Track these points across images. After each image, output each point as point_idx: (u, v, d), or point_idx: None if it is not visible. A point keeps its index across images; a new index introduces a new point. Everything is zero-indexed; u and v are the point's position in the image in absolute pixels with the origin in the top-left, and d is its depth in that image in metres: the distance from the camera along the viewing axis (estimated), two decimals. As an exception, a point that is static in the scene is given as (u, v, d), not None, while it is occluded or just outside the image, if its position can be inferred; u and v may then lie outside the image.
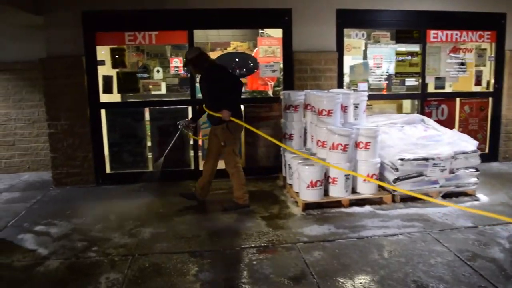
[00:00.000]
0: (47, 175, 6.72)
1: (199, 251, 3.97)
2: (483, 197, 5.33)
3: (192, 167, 6.40)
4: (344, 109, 5.27)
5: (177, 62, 6.79)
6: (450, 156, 5.06)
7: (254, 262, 3.73)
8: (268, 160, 6.46)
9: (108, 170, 6.32)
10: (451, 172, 5.14)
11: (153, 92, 6.74)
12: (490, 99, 7.11)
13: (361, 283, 3.38)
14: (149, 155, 6.42)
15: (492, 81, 7.06)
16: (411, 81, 6.95)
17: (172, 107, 6.31)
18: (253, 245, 4.07)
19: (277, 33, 6.54)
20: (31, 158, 7.15)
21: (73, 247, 4.16)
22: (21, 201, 5.62)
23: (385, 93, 6.93)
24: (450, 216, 4.74)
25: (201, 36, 6.81)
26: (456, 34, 6.82)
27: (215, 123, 4.92)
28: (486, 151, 7.16)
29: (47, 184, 6.30)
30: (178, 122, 5.10)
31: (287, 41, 6.25)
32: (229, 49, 7.23)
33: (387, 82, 6.90)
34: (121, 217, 4.90)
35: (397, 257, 3.78)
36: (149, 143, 6.41)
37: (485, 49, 7.10)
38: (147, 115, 6.33)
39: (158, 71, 6.75)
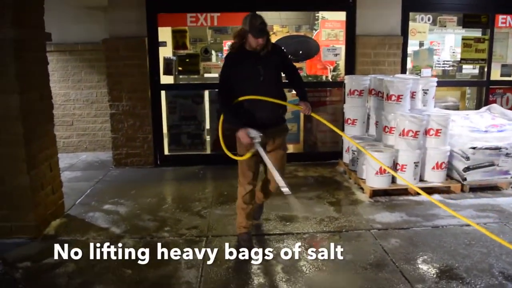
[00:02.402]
0: (104, 155, 6.87)
1: (272, 234, 3.97)
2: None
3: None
4: (412, 94, 5.13)
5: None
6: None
7: (332, 247, 3.67)
8: (326, 145, 6.39)
9: (166, 152, 6.39)
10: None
11: (212, 75, 6.75)
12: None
13: (445, 272, 3.31)
14: (207, 138, 6.44)
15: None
16: (470, 69, 6.74)
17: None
18: (326, 230, 4.05)
19: (336, 16, 6.41)
20: (89, 138, 7.30)
21: (145, 226, 4.23)
22: (84, 180, 5.75)
23: (450, 80, 6.73)
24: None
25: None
26: (526, 19, 6.53)
27: (281, 121, 3.72)
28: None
29: (106, 164, 6.42)
30: (252, 136, 3.40)
31: (350, 24, 6.12)
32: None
33: (452, 68, 6.69)
34: (187, 198, 4.95)
35: (478, 248, 3.68)
36: (208, 126, 6.43)
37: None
38: (206, 98, 6.33)
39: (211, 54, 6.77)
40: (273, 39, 6.61)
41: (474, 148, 4.82)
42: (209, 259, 3.51)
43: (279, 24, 7.25)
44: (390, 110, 4.99)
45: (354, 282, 3.22)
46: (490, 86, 6.58)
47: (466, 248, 3.67)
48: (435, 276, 3.28)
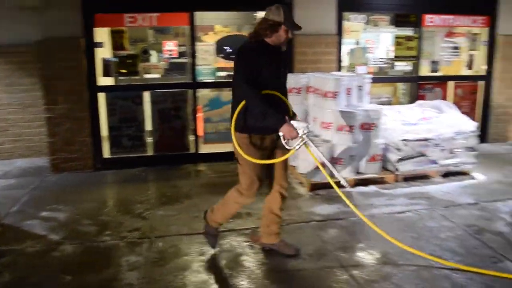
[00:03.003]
0: (41, 161, 6.59)
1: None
2: (480, 176, 5.51)
3: (193, 150, 6.38)
4: (348, 91, 5.34)
5: (170, 46, 6.76)
6: (450, 136, 5.21)
7: (273, 241, 3.79)
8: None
9: (106, 155, 6.25)
10: (451, 152, 5.29)
11: (152, 76, 6.68)
12: (482, 82, 7.30)
13: (380, 257, 3.50)
14: (149, 139, 6.37)
15: (484, 65, 7.25)
16: (401, 66, 7.08)
17: (172, 90, 6.26)
18: (267, 225, 4.13)
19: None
20: (24, 144, 6.97)
21: (85, 231, 4.13)
22: (19, 187, 5.49)
23: (383, 76, 7.04)
24: (451, 194, 4.91)
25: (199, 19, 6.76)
26: (451, 19, 6.96)
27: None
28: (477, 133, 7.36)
29: (43, 170, 6.17)
30: (299, 129, 3.11)
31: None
32: (211, 34, 7.15)
33: (385, 65, 7.01)
34: (128, 201, 4.88)
35: (409, 233, 3.91)
36: (149, 127, 6.36)
37: (478, 34, 7.27)
38: (147, 99, 6.26)
39: (151, 55, 6.71)
40: (213, 38, 6.70)
41: (405, 140, 5.09)
42: (151, 260, 3.50)
43: (221, 24, 7.30)
44: (327, 106, 5.16)
45: (295, 273, 3.31)
46: (420, 82, 6.96)
47: (399, 234, 3.88)
48: (370, 262, 3.45)
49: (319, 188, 4.99)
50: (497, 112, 7.33)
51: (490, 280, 3.18)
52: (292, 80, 5.69)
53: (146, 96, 6.25)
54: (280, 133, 3.10)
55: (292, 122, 3.12)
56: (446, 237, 3.83)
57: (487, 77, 7.23)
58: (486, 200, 4.71)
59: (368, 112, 5.11)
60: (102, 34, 6.12)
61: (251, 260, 3.49)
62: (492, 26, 7.07)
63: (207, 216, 3.65)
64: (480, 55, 7.29)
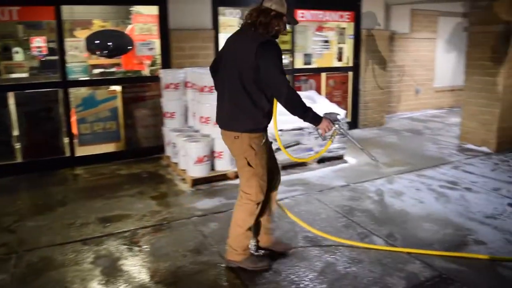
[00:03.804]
0: None
1: (92, 238, 3.82)
2: (351, 160, 5.96)
3: (68, 154, 5.98)
4: (225, 85, 5.40)
5: (39, 42, 6.25)
6: (323, 124, 5.54)
7: (153, 241, 3.72)
8: (149, 140, 6.34)
9: (-33, 165, 5.61)
10: (324, 139, 5.61)
11: (17, 75, 6.11)
12: (350, 73, 7.88)
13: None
14: (17, 145, 5.84)
15: (352, 57, 7.83)
16: (285, 59, 7.35)
17: (41, 90, 5.78)
18: (147, 225, 4.04)
19: (148, 10, 6.39)
20: None
21: None
22: None
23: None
24: (326, 178, 5.24)
25: (67, 13, 6.32)
26: (321, 14, 7.37)
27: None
28: (348, 119, 7.94)
29: None
30: (334, 120, 3.19)
31: (163, 19, 6.13)
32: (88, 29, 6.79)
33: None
34: (-7, 213, 4.44)
35: (287, 219, 4.07)
36: (16, 132, 5.82)
37: (345, 28, 7.82)
38: (11, 101, 5.71)
39: (17, 52, 6.14)
40: (84, 34, 6.32)
41: (281, 130, 5.30)
42: (18, 277, 3.23)
43: (101, 19, 6.93)
44: (205, 100, 5.18)
45: (174, 271, 3.28)
46: (295, 74, 7.30)
47: (277, 221, 4.04)
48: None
49: (201, 183, 5.01)
50: (365, 100, 7.98)
51: (358, 253, 3.46)
52: (170, 76, 5.63)
53: (11, 97, 5.70)
54: (317, 127, 3.08)
55: (324, 115, 3.08)
56: (319, 219, 4.08)
57: (355, 68, 7.83)
58: (356, 182, 5.12)
59: (245, 105, 5.22)
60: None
61: (129, 264, 3.38)
62: (357, 21, 7.65)
63: (232, 259, 3.25)
64: (348, 48, 7.86)
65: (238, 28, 3.18)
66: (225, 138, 3.09)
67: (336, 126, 3.18)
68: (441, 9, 9.57)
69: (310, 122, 3.08)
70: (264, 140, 3.04)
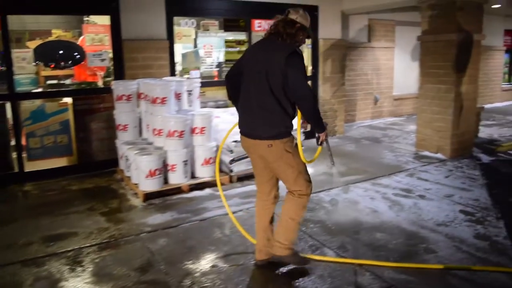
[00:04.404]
0: None
1: (33, 259, 3.63)
2: (308, 169, 5.91)
3: (16, 169, 5.73)
4: (177, 96, 5.31)
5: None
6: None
7: (97, 261, 3.57)
8: (103, 153, 6.16)
9: None
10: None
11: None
12: (309, 82, 7.88)
13: (206, 262, 3.51)
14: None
15: (310, 67, 7.86)
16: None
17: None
18: (94, 243, 3.87)
19: (100, 20, 6.25)
20: None
21: None
22: None
23: (217, 80, 7.17)
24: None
25: (17, 23, 6.11)
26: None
27: None
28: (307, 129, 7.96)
29: None
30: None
31: (115, 29, 5.99)
32: (51, 38, 6.63)
33: (218, 69, 7.15)
34: None
35: (238, 232, 3.99)
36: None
37: (301, 37, 7.85)
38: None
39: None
40: (34, 44, 6.12)
41: (235, 141, 5.24)
42: None
43: (52, 29, 6.73)
44: (157, 112, 5.07)
45: (116, 291, 3.15)
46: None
47: (228, 235, 3.96)
48: (198, 268, 3.43)
49: (154, 197, 4.88)
50: (324, 109, 8.01)
51: (309, 266, 3.40)
52: (121, 87, 5.49)
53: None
54: (319, 135, 3.27)
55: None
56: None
57: (313, 77, 7.86)
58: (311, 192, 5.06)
59: (198, 116, 5.14)
60: None
61: (69, 286, 3.21)
62: (314, 30, 7.69)
63: (279, 253, 3.34)
64: (306, 57, 7.88)
65: (262, 38, 3.28)
66: (258, 147, 3.14)
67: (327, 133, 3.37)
68: (398, 18, 9.78)
69: (318, 131, 3.24)
70: (295, 142, 3.18)
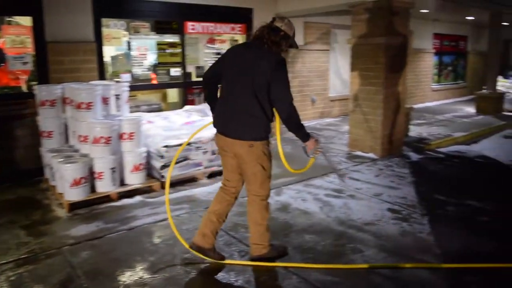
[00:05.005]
0: None
1: None
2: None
3: None
4: (105, 101, 5.12)
5: None
6: (210, 138, 5.46)
7: (12, 278, 3.35)
8: (28, 162, 5.82)
9: None
10: (213, 153, 5.55)
11: None
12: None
13: (131, 274, 3.38)
14: None
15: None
16: (176, 71, 7.20)
17: None
18: (10, 260, 3.63)
19: (22, 21, 5.91)
20: None
21: None
22: None
23: (149, 83, 7.01)
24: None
25: None
26: (212, 26, 7.33)
27: None
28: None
29: None
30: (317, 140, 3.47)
31: (38, 30, 5.69)
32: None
33: (152, 72, 6.99)
34: None
35: (166, 241, 3.91)
36: None
37: (237, 40, 7.84)
38: None
39: None
40: None
41: (166, 146, 5.13)
42: None
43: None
44: (82, 118, 4.86)
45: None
46: (188, 87, 7.17)
47: (156, 244, 3.85)
48: (122, 281, 3.29)
49: (80, 207, 4.66)
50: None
51: (237, 272, 3.37)
52: (45, 92, 5.22)
53: None
54: (305, 144, 3.37)
55: (311, 134, 3.37)
56: (201, 239, 3.94)
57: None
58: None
59: (126, 122, 4.98)
60: None
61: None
62: (249, 33, 7.71)
63: (258, 254, 3.52)
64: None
65: (245, 42, 3.53)
66: (237, 147, 3.23)
67: (321, 145, 3.47)
68: (332, 22, 10.00)
69: (301, 139, 3.36)
70: (268, 146, 3.34)
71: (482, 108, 11.64)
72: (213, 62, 3.48)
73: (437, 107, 13.26)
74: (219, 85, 3.36)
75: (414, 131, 8.82)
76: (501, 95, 11.80)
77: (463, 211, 4.72)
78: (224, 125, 3.29)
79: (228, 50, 3.41)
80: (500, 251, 3.83)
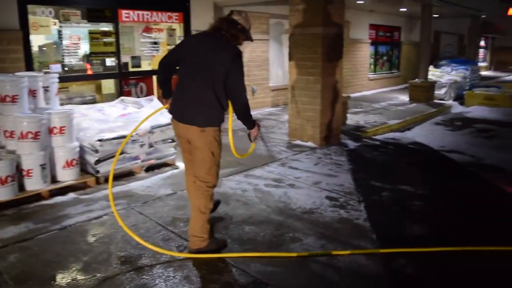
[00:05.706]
0: None
1: None
2: (182, 165, 5.81)
3: None
4: (32, 93, 4.82)
5: None
6: (148, 131, 5.31)
7: None
8: None
9: None
10: (150, 146, 5.41)
11: None
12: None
13: (63, 276, 3.23)
14: None
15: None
16: (111, 61, 6.92)
17: None
18: None
19: None
20: None
21: None
22: None
23: (83, 74, 6.69)
24: (153, 188, 5.02)
25: None
26: (147, 14, 7.11)
27: None
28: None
29: None
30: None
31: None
32: None
33: (87, 62, 6.67)
34: None
35: (101, 239, 3.76)
36: None
37: (175, 30, 7.66)
38: None
39: None
40: None
41: (101, 140, 4.93)
42: None
43: None
44: (7, 112, 4.55)
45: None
46: (123, 78, 6.92)
47: (90, 243, 3.70)
48: (53, 284, 3.13)
49: (8, 208, 4.38)
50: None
51: (175, 267, 3.30)
52: (-37, 85, 4.82)
53: None
54: (250, 131, 3.58)
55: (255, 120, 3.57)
56: (138, 234, 3.82)
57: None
58: (183, 189, 4.93)
59: (56, 115, 4.73)
60: None
61: None
62: (186, 22, 7.55)
63: (198, 247, 3.50)
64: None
65: (204, 31, 3.48)
66: (189, 132, 3.34)
67: (261, 130, 3.77)
68: (271, 11, 10.02)
69: (249, 126, 3.55)
70: (220, 133, 3.45)
71: (415, 97, 12.19)
72: (171, 48, 3.59)
73: (373, 95, 13.73)
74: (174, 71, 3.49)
75: (352, 119, 9.08)
76: (432, 84, 12.40)
77: (398, 197, 4.92)
78: (181, 112, 3.38)
79: (187, 38, 3.63)
80: (431, 234, 4.03)
